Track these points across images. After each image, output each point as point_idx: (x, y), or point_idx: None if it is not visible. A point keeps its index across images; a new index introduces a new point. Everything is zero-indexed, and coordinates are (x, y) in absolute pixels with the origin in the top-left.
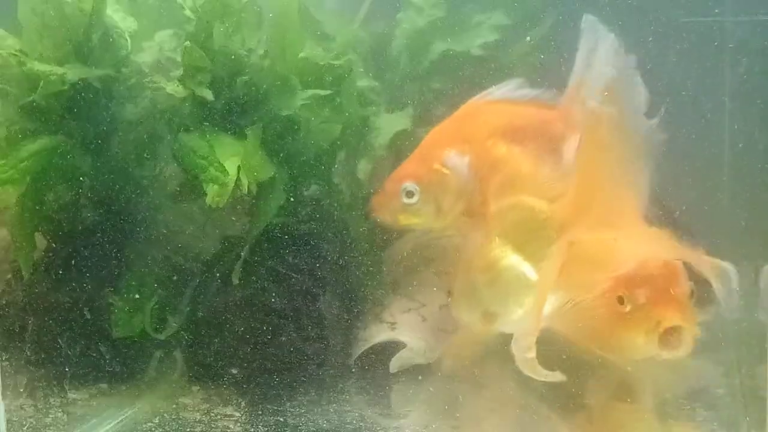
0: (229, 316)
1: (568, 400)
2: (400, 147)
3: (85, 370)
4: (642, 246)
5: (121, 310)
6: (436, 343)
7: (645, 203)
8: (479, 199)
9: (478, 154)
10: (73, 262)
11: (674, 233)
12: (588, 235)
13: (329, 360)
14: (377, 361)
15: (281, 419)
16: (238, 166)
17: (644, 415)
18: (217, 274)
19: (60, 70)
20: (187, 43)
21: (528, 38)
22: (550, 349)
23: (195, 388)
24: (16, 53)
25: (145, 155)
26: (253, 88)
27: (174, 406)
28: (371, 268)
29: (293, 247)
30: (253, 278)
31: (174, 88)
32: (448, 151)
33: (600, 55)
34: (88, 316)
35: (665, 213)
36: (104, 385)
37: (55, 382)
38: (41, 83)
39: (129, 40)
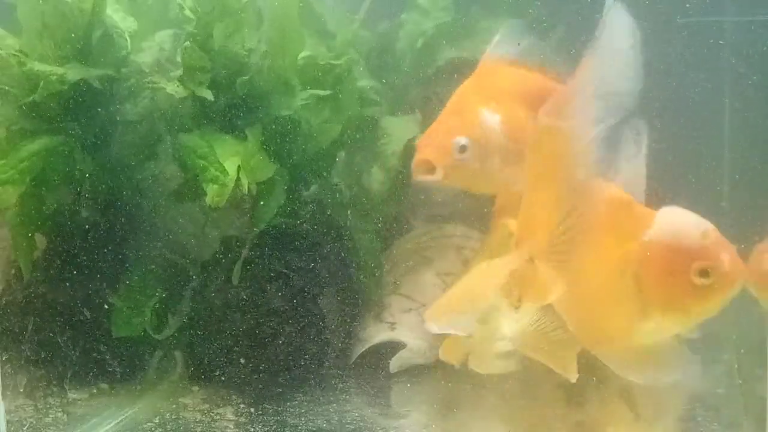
0: (229, 316)
1: (569, 400)
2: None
3: (85, 370)
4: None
5: (121, 310)
6: (436, 343)
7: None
8: (513, 159)
9: (506, 114)
10: (73, 262)
11: None
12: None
13: (329, 360)
14: (377, 361)
15: (281, 419)
16: (238, 166)
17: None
18: (217, 274)
19: (60, 70)
20: (187, 43)
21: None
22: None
23: (195, 388)
24: (16, 53)
25: (145, 155)
26: (253, 88)
27: (174, 406)
28: (371, 268)
29: (293, 247)
30: (253, 278)
31: (174, 88)
32: (482, 108)
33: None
34: (89, 316)
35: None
36: (104, 385)
37: (55, 382)
38: (41, 83)
39: (129, 40)
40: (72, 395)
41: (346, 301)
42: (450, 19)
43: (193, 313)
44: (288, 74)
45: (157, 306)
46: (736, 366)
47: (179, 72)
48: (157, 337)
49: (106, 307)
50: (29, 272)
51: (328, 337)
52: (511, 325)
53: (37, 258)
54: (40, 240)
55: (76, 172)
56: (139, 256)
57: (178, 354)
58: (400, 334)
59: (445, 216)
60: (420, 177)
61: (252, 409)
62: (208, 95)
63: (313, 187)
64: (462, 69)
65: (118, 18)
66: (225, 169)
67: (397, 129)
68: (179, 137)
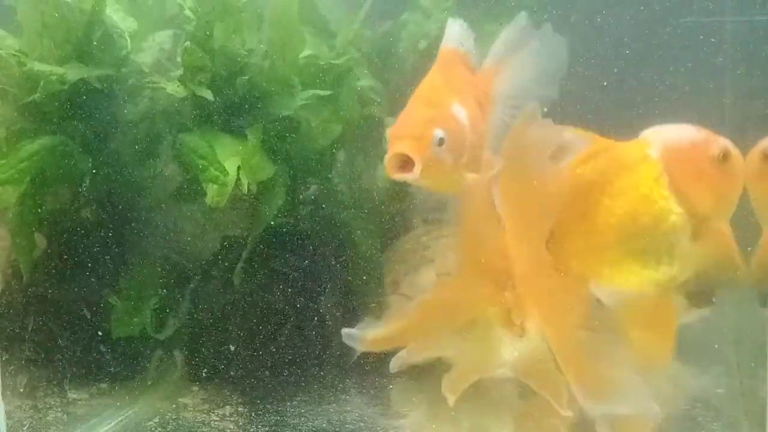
0: (229, 316)
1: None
2: None
3: (85, 370)
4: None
5: (121, 310)
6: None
7: None
8: (477, 154)
9: (470, 110)
10: (73, 261)
11: None
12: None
13: (329, 360)
14: (377, 361)
15: (281, 419)
16: (238, 166)
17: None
18: (218, 274)
19: (60, 70)
20: (187, 43)
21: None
22: None
23: (195, 388)
24: (16, 53)
25: (145, 155)
26: (253, 88)
27: (174, 406)
28: (371, 268)
29: (293, 247)
30: (254, 278)
31: (174, 88)
32: (453, 101)
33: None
34: (88, 316)
35: None
36: (104, 385)
37: (55, 382)
38: (41, 83)
39: (129, 40)
40: (72, 395)
41: (346, 300)
42: None
43: (193, 313)
44: (288, 74)
45: (156, 306)
46: (736, 366)
47: (179, 72)
48: (157, 337)
49: (106, 307)
50: (29, 272)
51: (328, 336)
52: (512, 353)
53: (37, 258)
54: (40, 240)
55: (76, 172)
56: (139, 256)
57: (178, 354)
58: None
59: (444, 216)
60: (396, 174)
61: (252, 409)
62: (208, 95)
63: (313, 187)
64: None
65: (118, 18)
66: (225, 169)
67: None
68: (179, 137)
